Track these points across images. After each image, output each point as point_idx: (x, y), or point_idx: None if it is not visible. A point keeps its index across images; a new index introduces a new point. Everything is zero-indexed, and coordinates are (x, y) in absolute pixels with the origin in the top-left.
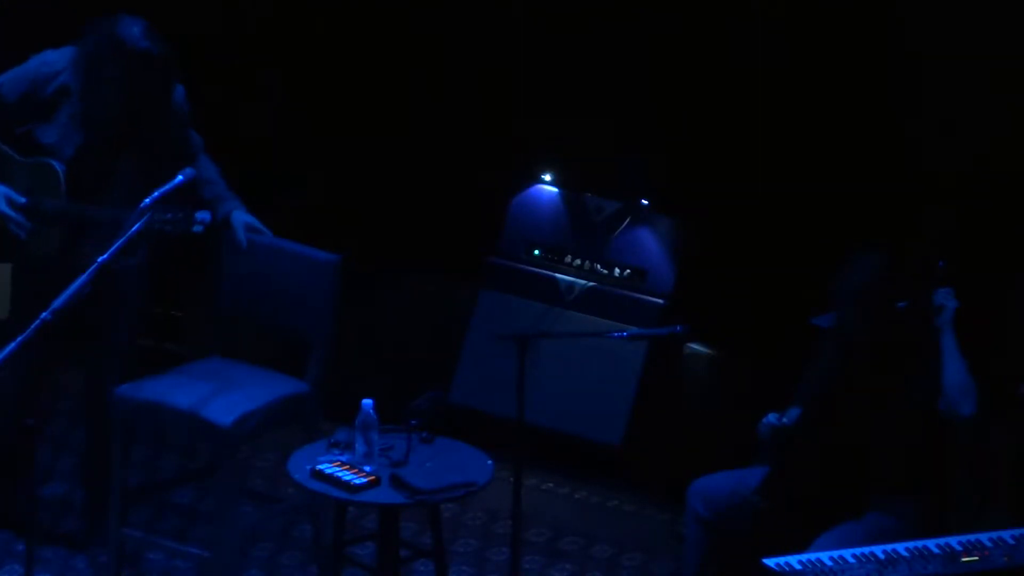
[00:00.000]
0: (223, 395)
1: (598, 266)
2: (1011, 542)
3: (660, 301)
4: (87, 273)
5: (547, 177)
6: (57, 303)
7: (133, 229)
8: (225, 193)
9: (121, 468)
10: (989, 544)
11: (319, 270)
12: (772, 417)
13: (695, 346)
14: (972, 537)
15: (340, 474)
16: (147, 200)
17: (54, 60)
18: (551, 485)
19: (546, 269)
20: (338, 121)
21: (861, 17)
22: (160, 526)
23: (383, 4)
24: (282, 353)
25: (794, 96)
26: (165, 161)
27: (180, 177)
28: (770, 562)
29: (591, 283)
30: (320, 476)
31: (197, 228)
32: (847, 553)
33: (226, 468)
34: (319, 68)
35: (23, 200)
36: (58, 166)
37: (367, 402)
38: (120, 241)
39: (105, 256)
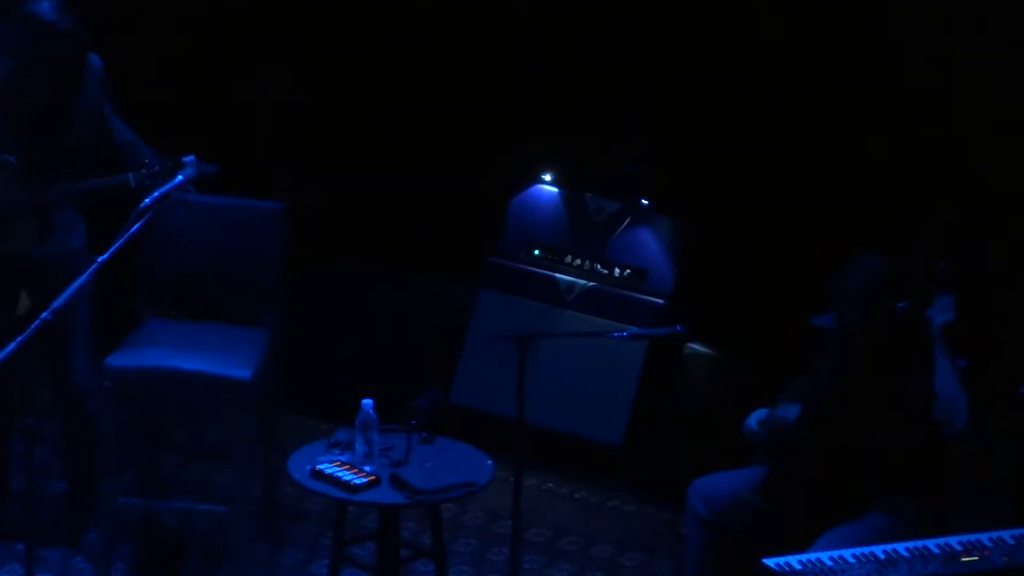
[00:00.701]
0: (220, 352)
1: (598, 266)
2: (1011, 542)
3: (660, 301)
4: (87, 273)
5: (547, 177)
6: (57, 303)
7: (134, 229)
8: (149, 150)
9: (115, 440)
10: (989, 544)
11: (266, 219)
12: (754, 419)
13: (695, 346)
14: (972, 537)
15: (340, 474)
16: (147, 200)
17: None
18: (551, 485)
19: (546, 269)
20: (338, 122)
21: (860, 12)
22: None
23: (384, 5)
24: (203, 312)
25: (794, 96)
26: (93, 134)
27: (180, 177)
28: (770, 562)
29: (591, 283)
30: (320, 476)
31: (188, 172)
32: (847, 553)
33: (248, 422)
34: (319, 69)
35: None
36: (11, 160)
37: (367, 402)
38: (121, 241)
39: (105, 256)
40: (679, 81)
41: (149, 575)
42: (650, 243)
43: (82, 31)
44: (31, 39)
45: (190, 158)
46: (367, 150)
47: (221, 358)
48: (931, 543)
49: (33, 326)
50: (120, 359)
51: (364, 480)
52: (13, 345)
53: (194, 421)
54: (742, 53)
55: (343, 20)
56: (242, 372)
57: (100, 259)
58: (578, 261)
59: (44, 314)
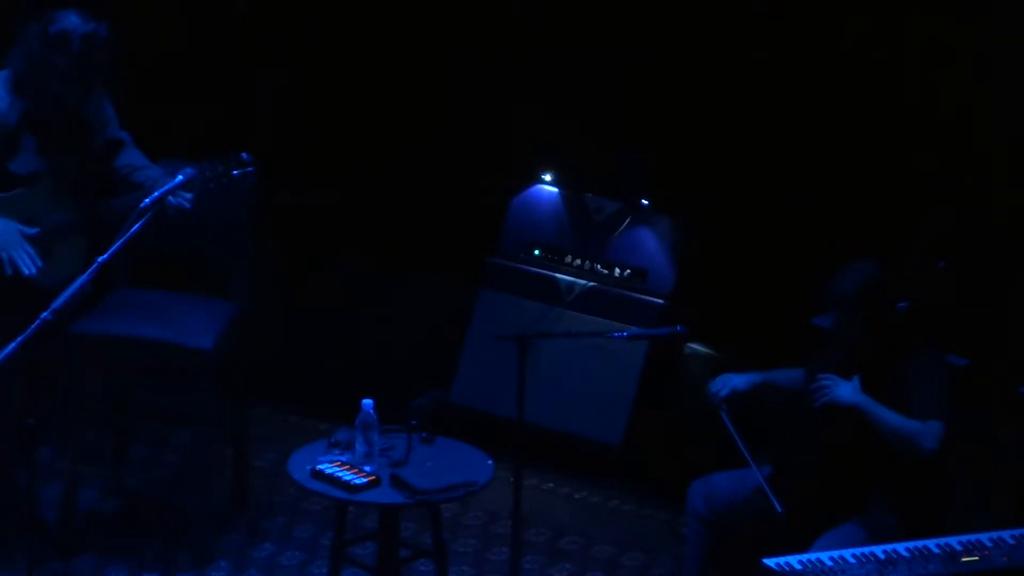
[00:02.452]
0: (182, 321)
1: (598, 266)
2: (1011, 542)
3: (660, 301)
4: (87, 272)
5: (547, 177)
6: (57, 303)
7: (134, 229)
8: (159, 172)
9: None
10: (989, 544)
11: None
12: (721, 382)
13: (695, 346)
14: (972, 537)
15: (340, 474)
16: (147, 200)
17: None
18: (551, 485)
19: (546, 269)
20: (338, 122)
21: (861, 15)
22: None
23: (384, 6)
24: (174, 282)
25: (794, 95)
26: (102, 152)
27: (180, 177)
28: (770, 562)
29: (591, 283)
30: (320, 476)
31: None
32: (847, 553)
33: (208, 388)
34: (320, 70)
35: (34, 231)
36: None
37: (367, 402)
38: (121, 241)
39: (106, 256)
40: (679, 82)
41: None
42: (650, 243)
43: (113, 36)
44: (66, 56)
45: (247, 156)
46: (367, 150)
47: (183, 326)
48: (931, 543)
49: (33, 326)
50: (83, 326)
51: (364, 480)
52: (13, 345)
53: (162, 389)
54: (741, 53)
55: (343, 20)
56: (203, 341)
57: (100, 259)
58: (578, 261)
59: (44, 314)
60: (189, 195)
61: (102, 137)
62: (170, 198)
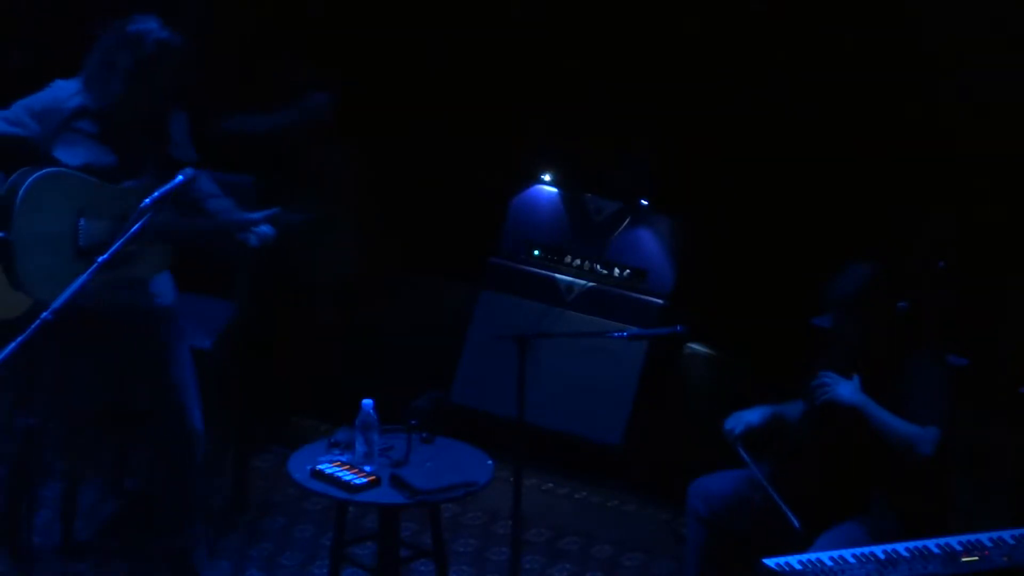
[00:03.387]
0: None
1: (598, 266)
2: (1011, 542)
3: (660, 301)
4: (87, 272)
5: (547, 177)
6: (56, 303)
7: (134, 228)
8: (230, 204)
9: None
10: (989, 544)
11: (235, 193)
12: (734, 420)
13: (695, 346)
14: (972, 537)
15: (340, 474)
16: (147, 200)
17: (66, 85)
18: (551, 485)
19: (546, 269)
20: (338, 122)
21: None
22: None
23: (385, 5)
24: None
25: (794, 95)
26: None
27: (180, 177)
28: (770, 562)
29: (591, 283)
30: (320, 476)
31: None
32: (847, 553)
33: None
34: (320, 69)
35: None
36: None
37: (367, 402)
38: (121, 240)
39: (105, 256)
40: (679, 82)
41: None
42: (650, 243)
43: (186, 48)
44: (134, 56)
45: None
46: (367, 151)
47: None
48: (931, 543)
49: (33, 326)
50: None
51: (364, 480)
52: (13, 345)
53: None
54: (740, 53)
55: (343, 19)
56: (203, 341)
57: (100, 259)
58: (578, 261)
59: (44, 314)
60: (270, 231)
61: (173, 155)
62: (258, 229)
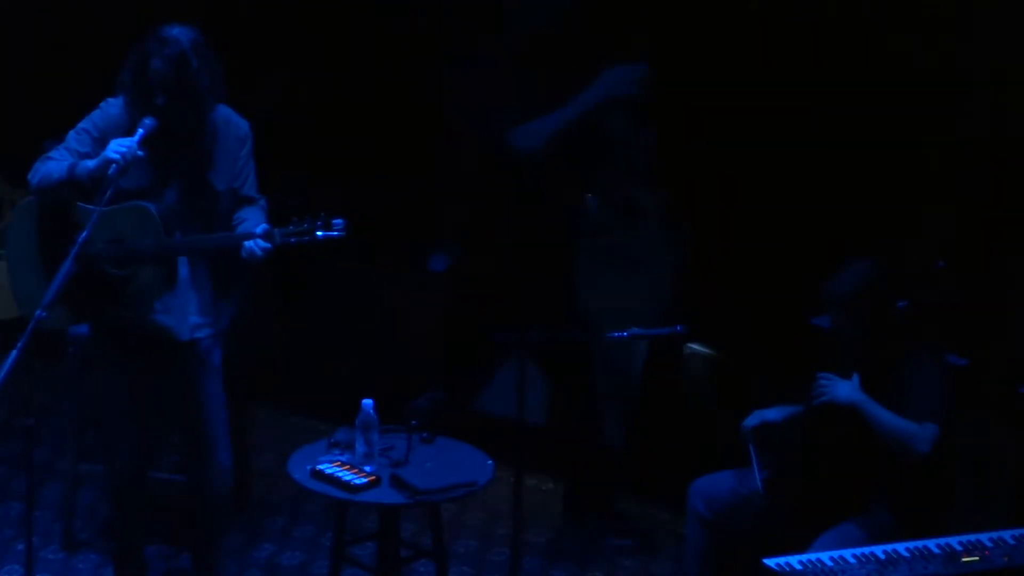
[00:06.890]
0: None
1: None
2: (1011, 542)
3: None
4: (68, 259)
5: None
6: (46, 299)
7: (105, 198)
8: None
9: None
10: (989, 544)
11: None
12: (755, 417)
13: (695, 346)
14: (972, 537)
15: (340, 474)
16: (111, 153)
17: (115, 103)
18: (551, 485)
19: None
20: (338, 122)
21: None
22: None
23: (385, 5)
24: None
25: (794, 95)
26: (224, 199)
27: (140, 130)
28: (770, 562)
29: None
30: (320, 476)
31: (331, 233)
32: (847, 553)
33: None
34: (319, 71)
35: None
36: (151, 207)
37: (367, 402)
38: (83, 236)
39: (84, 233)
40: (679, 82)
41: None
42: None
43: (214, 51)
44: (165, 60)
45: (339, 222)
46: (367, 150)
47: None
48: (931, 543)
49: (32, 326)
50: (83, 327)
51: (364, 480)
52: (15, 352)
53: None
54: (740, 54)
55: (342, 19)
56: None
57: (79, 238)
58: None
59: (39, 312)
60: (266, 244)
61: (226, 184)
62: (246, 243)
